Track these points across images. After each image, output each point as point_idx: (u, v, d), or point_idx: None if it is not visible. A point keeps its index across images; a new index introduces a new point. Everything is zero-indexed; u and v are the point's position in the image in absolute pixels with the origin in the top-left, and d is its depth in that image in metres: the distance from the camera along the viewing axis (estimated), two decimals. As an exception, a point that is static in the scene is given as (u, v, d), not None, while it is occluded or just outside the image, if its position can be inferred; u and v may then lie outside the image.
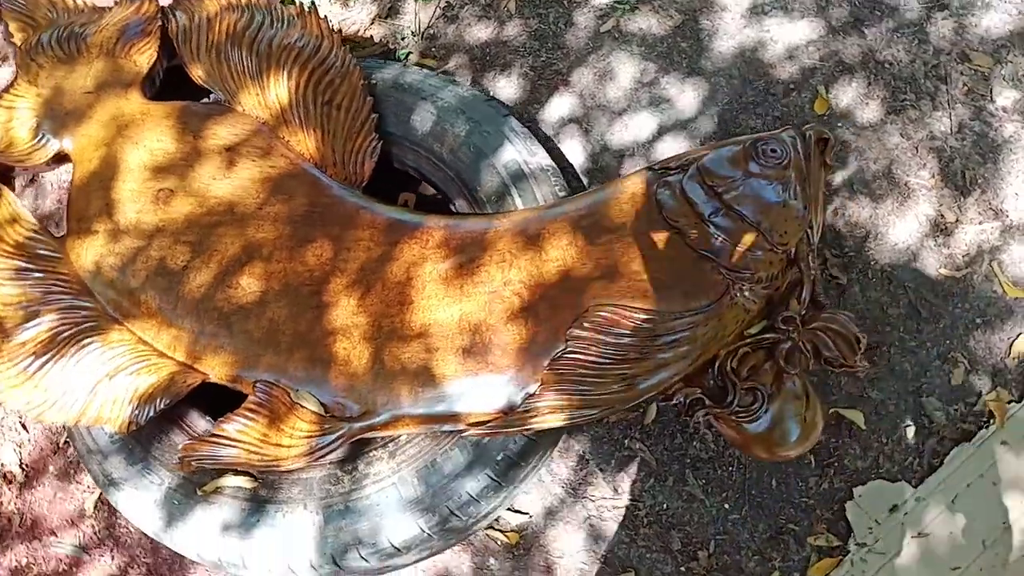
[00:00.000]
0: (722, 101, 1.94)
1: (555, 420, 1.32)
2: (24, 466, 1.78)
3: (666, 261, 1.36)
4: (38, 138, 1.65)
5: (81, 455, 1.52)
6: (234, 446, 1.37)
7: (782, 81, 1.94)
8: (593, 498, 1.68)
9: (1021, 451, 1.62)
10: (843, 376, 1.69)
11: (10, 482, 1.76)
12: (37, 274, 1.54)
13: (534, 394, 1.33)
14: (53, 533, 1.71)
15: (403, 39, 2.11)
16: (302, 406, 1.39)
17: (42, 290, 1.52)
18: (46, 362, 1.47)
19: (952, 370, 1.70)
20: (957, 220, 1.79)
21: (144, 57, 1.70)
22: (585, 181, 1.92)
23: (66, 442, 1.79)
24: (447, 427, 1.39)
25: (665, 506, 1.66)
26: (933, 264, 1.76)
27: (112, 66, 1.69)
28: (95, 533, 1.71)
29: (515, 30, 2.08)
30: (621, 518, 1.65)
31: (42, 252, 1.56)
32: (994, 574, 1.55)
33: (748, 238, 1.34)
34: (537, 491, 1.69)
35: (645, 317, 1.31)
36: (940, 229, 1.78)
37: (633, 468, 1.68)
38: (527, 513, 1.67)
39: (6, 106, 1.68)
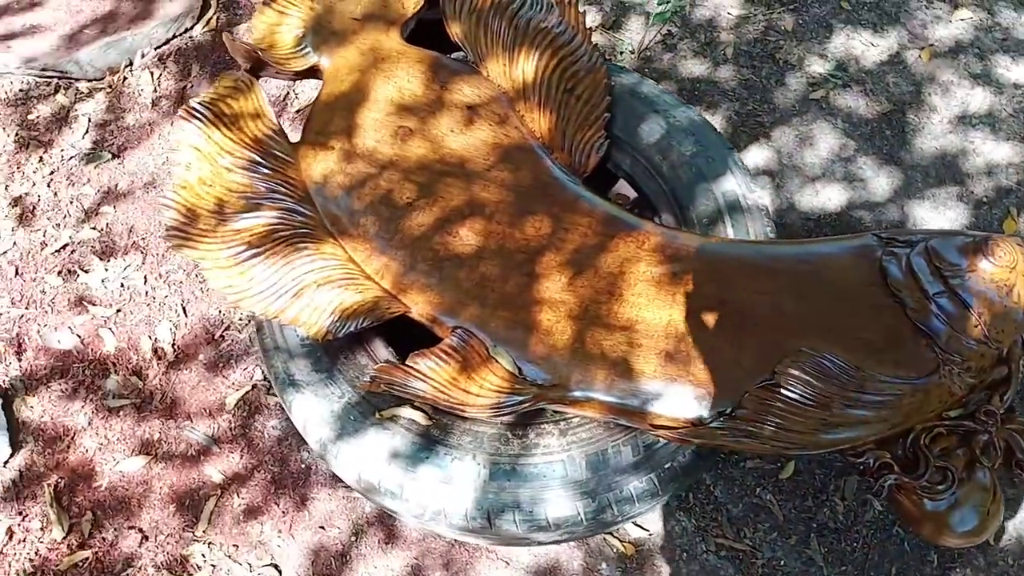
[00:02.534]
0: (914, 194, 1.99)
1: (745, 444, 1.35)
2: (176, 347, 1.82)
3: (883, 326, 1.39)
4: (299, 48, 1.73)
5: (265, 350, 1.56)
6: (425, 381, 1.41)
7: (976, 193, 1.99)
8: (714, 535, 1.69)
9: None
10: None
11: (160, 358, 1.80)
12: (267, 170, 1.59)
13: (729, 415, 1.36)
14: (189, 418, 1.75)
15: (620, 53, 2.19)
16: (497, 361, 1.42)
17: (268, 187, 1.58)
18: (258, 254, 1.52)
19: (1092, 512, 1.71)
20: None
21: (412, 1, 1.78)
22: (767, 232, 1.96)
23: (222, 336, 1.83)
24: (629, 422, 1.42)
25: (783, 563, 1.67)
26: (1093, 405, 1.78)
27: (382, 1, 1.78)
28: (230, 429, 1.74)
29: (727, 74, 2.15)
30: (737, 562, 1.66)
31: (276, 152, 1.62)
32: None
33: (968, 326, 1.37)
34: (663, 512, 1.71)
35: (857, 372, 1.35)
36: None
37: (760, 517, 1.70)
38: (648, 530, 1.69)
39: (278, 10, 1.76)
